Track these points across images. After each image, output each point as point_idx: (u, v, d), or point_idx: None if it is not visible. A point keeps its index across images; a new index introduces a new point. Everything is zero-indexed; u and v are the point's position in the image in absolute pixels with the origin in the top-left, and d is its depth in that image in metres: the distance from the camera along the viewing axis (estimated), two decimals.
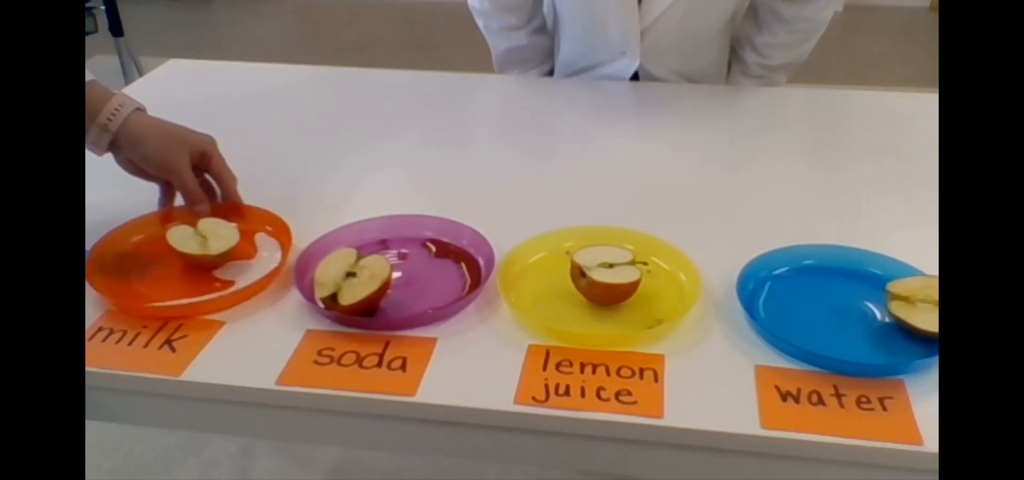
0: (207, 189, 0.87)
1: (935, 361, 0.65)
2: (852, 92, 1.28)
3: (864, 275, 0.76)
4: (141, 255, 0.82)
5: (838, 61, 3.69)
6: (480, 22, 1.33)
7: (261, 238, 0.85)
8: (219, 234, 0.80)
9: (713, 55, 1.29)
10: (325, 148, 1.09)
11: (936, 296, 0.68)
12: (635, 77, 1.27)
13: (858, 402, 0.62)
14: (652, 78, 1.27)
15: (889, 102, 1.25)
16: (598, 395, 0.63)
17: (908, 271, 0.74)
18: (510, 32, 1.31)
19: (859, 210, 0.92)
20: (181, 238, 0.79)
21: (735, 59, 1.31)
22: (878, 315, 0.72)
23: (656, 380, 0.65)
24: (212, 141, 0.86)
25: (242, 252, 0.81)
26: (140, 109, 0.84)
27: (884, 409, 0.62)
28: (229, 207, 0.87)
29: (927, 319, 0.67)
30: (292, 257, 0.79)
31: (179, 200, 0.86)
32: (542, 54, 1.35)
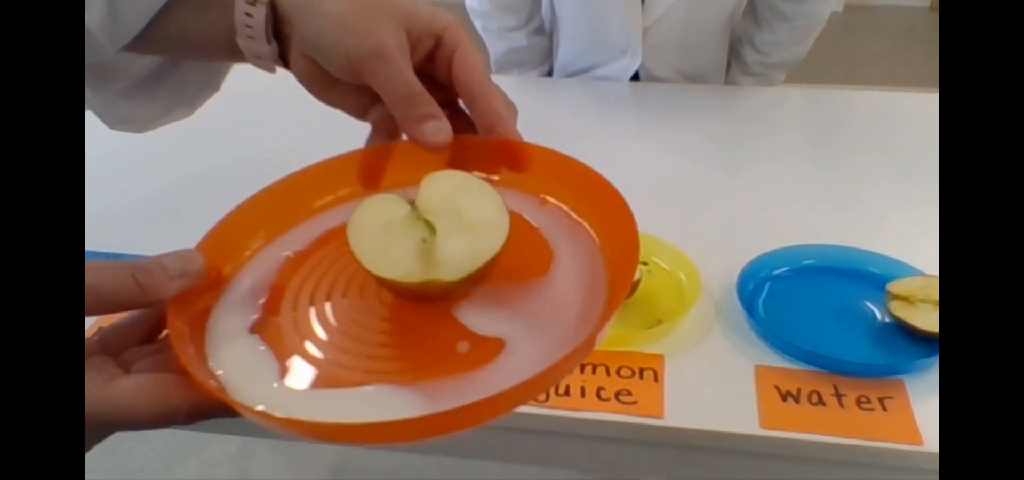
0: (457, 117, 0.46)
1: (935, 361, 0.65)
2: (852, 92, 1.28)
3: (864, 275, 0.76)
4: (310, 266, 0.43)
5: (838, 61, 3.69)
6: (478, 23, 1.33)
7: (550, 224, 0.43)
8: (465, 218, 0.39)
9: (713, 52, 1.30)
10: (325, 149, 1.08)
11: (936, 296, 0.68)
12: (635, 76, 1.27)
13: (858, 402, 0.62)
14: (652, 77, 1.27)
15: (889, 102, 1.25)
16: (598, 395, 0.63)
17: (908, 271, 0.74)
18: (509, 33, 1.31)
19: (859, 210, 0.92)
20: (371, 233, 0.38)
21: (734, 58, 1.31)
22: (878, 315, 0.72)
23: (656, 380, 0.65)
24: (452, 20, 0.47)
25: (514, 260, 0.39)
26: None
27: (884, 409, 0.62)
28: (497, 146, 0.44)
29: (927, 319, 0.67)
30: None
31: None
32: (541, 55, 1.35)
